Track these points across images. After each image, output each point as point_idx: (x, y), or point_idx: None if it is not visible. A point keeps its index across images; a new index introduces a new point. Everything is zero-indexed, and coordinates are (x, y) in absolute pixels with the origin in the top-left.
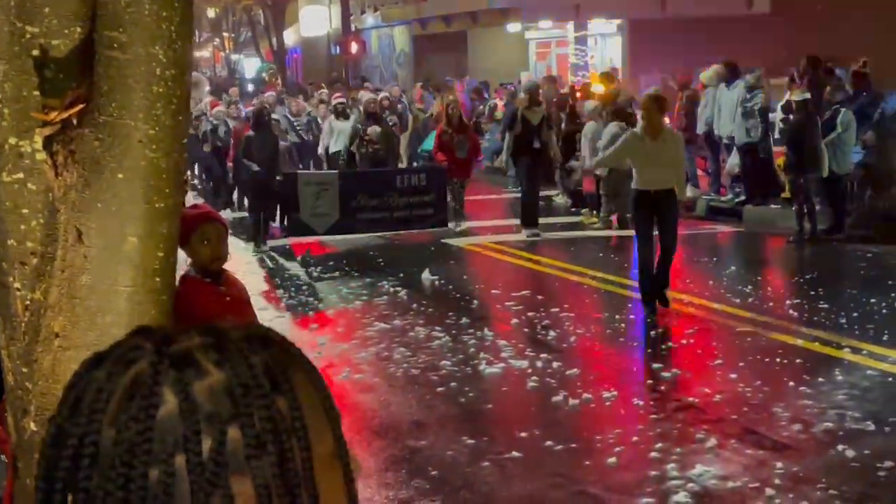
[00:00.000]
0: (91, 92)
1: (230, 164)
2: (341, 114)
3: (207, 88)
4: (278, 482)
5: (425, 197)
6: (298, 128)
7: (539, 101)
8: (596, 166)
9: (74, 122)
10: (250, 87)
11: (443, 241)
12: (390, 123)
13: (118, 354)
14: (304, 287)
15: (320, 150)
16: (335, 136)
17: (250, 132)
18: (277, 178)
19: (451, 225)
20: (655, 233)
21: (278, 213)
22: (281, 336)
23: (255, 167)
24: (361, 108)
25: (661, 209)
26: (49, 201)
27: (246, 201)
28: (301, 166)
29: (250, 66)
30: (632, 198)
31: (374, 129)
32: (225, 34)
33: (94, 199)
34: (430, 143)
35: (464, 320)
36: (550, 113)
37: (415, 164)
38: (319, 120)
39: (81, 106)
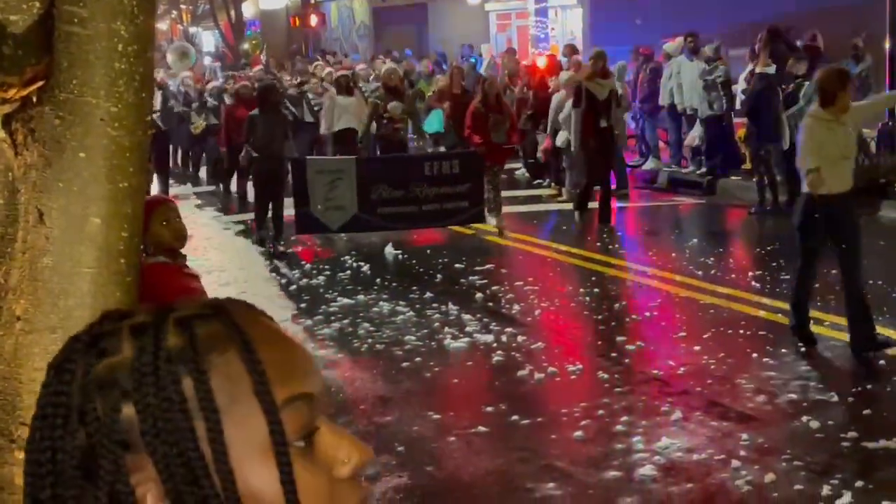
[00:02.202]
0: (51, 69)
1: (223, 150)
2: (345, 89)
3: (196, 61)
4: (178, 463)
5: (459, 187)
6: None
7: (607, 73)
8: (810, 179)
9: (34, 99)
10: (207, 61)
11: None
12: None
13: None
14: (266, 263)
15: (323, 130)
16: (338, 114)
17: (254, 112)
18: (286, 165)
19: (489, 220)
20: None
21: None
22: (231, 313)
23: (254, 153)
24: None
25: (839, 219)
26: (9, 181)
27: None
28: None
29: (208, 39)
30: (804, 203)
31: (395, 106)
32: (182, 6)
33: (56, 178)
34: (432, 123)
35: (428, 295)
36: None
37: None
38: (310, 95)
39: (41, 83)
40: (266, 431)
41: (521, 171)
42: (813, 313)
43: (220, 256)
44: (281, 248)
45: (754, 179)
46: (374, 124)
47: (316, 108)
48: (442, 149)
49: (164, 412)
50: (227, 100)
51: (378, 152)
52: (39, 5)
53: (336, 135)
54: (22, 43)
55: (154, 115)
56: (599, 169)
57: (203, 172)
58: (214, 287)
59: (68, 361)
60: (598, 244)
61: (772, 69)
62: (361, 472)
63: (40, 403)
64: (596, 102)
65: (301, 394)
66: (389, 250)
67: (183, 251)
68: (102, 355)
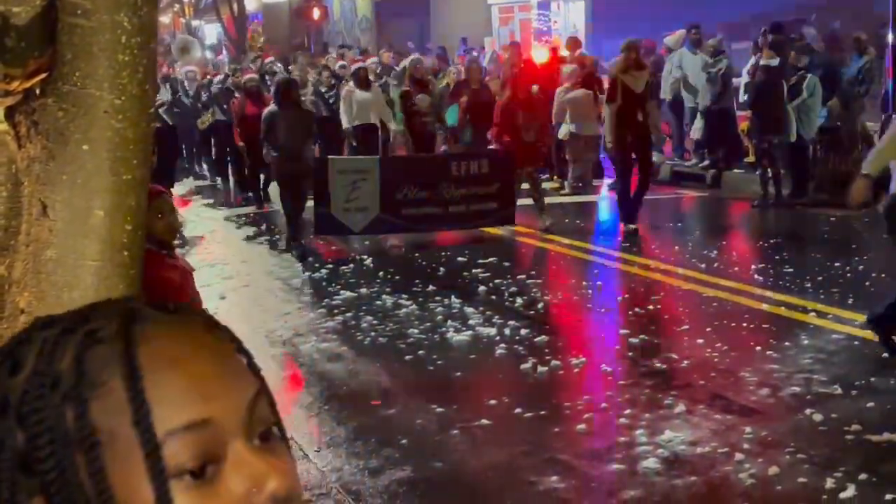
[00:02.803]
0: (54, 61)
1: (242, 144)
2: (364, 82)
3: (199, 55)
4: (60, 496)
5: (488, 188)
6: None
7: (642, 64)
8: (871, 170)
9: (37, 91)
10: (207, 55)
11: None
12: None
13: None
14: (270, 256)
15: (346, 125)
16: (356, 109)
17: (272, 107)
18: (309, 163)
19: (541, 223)
20: None
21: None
22: (146, 329)
23: (274, 152)
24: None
25: None
26: (12, 174)
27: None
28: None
29: (211, 32)
30: (890, 205)
31: (422, 98)
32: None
33: (59, 171)
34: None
35: (431, 288)
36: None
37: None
38: (322, 89)
39: (44, 75)
40: (141, 464)
41: None
42: (815, 305)
43: (223, 250)
44: (302, 249)
45: (757, 172)
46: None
47: (330, 101)
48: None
49: (48, 443)
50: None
51: (413, 147)
52: None
53: (355, 130)
54: (25, 35)
55: (161, 109)
56: (637, 166)
57: (205, 167)
58: (217, 280)
59: None
60: (601, 238)
61: (775, 61)
62: (283, 500)
63: None
64: (632, 96)
65: (198, 421)
66: (392, 243)
67: (187, 245)
68: (11, 371)
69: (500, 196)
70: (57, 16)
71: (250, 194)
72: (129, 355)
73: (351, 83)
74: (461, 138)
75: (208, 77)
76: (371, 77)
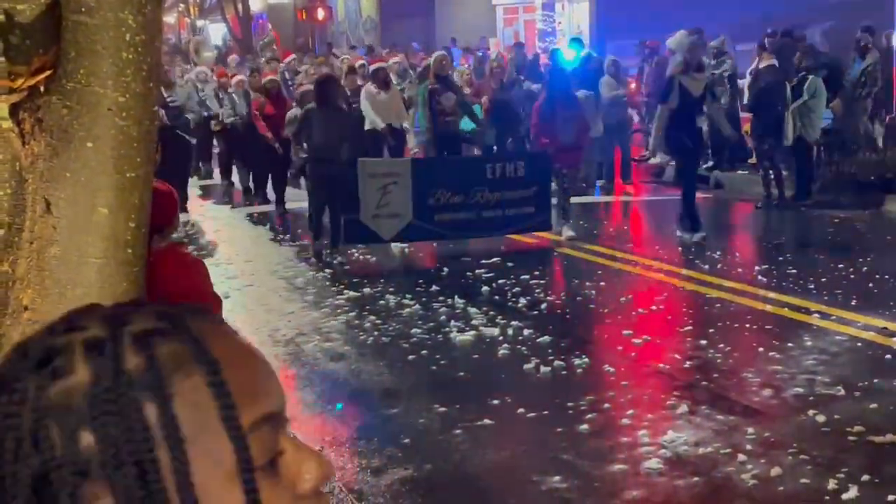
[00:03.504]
0: (58, 58)
1: (270, 140)
2: (384, 83)
3: (209, 54)
4: (139, 495)
5: (524, 191)
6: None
7: (701, 66)
8: None
9: (42, 89)
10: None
11: None
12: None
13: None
14: (274, 255)
15: (368, 126)
16: (376, 110)
17: (311, 106)
18: (346, 167)
19: (556, 229)
20: None
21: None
22: (192, 330)
23: (308, 154)
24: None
25: None
26: (16, 171)
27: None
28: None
29: (216, 32)
30: None
31: (448, 97)
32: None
33: (63, 168)
34: (467, 120)
35: (434, 288)
36: None
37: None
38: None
39: (49, 73)
40: (232, 457)
41: None
42: (819, 307)
43: (227, 249)
44: (337, 259)
45: (759, 174)
46: (424, 118)
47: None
48: (476, 151)
49: (126, 442)
50: (252, 95)
51: (435, 149)
52: None
53: (371, 131)
54: (29, 32)
55: (189, 116)
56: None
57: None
58: (221, 280)
59: (16, 380)
60: (604, 238)
61: (775, 63)
62: (322, 486)
63: None
64: (691, 99)
65: (267, 415)
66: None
67: (190, 244)
68: (54, 375)
69: (537, 200)
70: (61, 13)
71: (256, 192)
72: (203, 350)
73: (370, 84)
74: (484, 139)
75: (229, 78)
76: (392, 77)
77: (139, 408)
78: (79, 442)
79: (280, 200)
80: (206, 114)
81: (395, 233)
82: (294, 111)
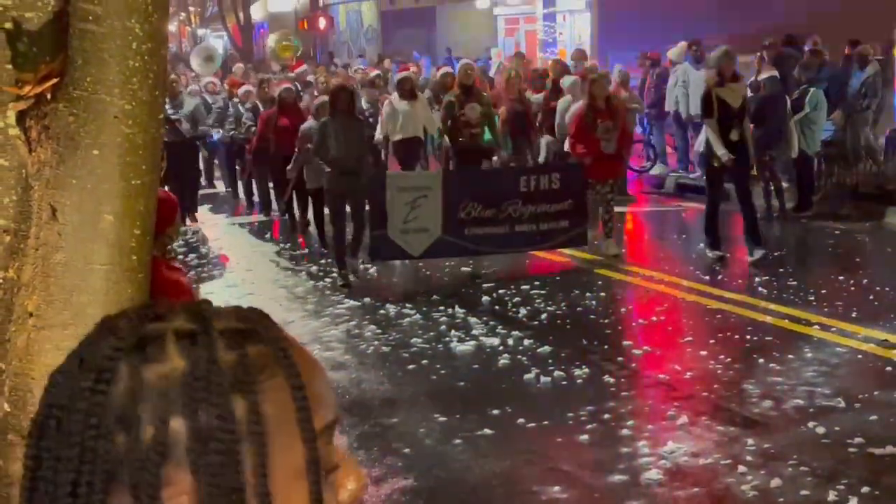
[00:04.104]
0: (65, 66)
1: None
2: (408, 93)
3: (219, 64)
4: (219, 483)
5: (559, 205)
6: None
7: (737, 76)
8: None
9: (48, 96)
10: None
11: None
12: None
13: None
14: (275, 264)
15: (378, 136)
16: (401, 122)
17: (324, 118)
18: (364, 179)
19: (604, 248)
20: None
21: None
22: (275, 335)
23: (327, 167)
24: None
25: None
26: (22, 178)
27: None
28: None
29: (217, 42)
30: None
31: (472, 108)
32: (191, 8)
33: (69, 175)
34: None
35: (434, 297)
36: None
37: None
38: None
39: (55, 80)
40: (301, 458)
41: None
42: (819, 318)
43: (228, 258)
44: (354, 277)
45: (761, 185)
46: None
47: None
48: (495, 159)
49: (215, 431)
50: (261, 106)
51: (456, 163)
52: (54, 3)
53: (398, 144)
54: (36, 40)
55: (202, 129)
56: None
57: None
58: (221, 288)
59: (109, 360)
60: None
61: (773, 73)
62: (357, 501)
63: (67, 396)
64: (729, 112)
65: (332, 422)
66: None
67: (191, 254)
68: (146, 361)
69: (573, 214)
70: (68, 21)
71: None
72: (287, 355)
73: (394, 94)
74: (502, 151)
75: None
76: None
77: (229, 401)
78: (168, 425)
79: (304, 213)
80: (211, 135)
81: (425, 248)
82: (309, 123)
